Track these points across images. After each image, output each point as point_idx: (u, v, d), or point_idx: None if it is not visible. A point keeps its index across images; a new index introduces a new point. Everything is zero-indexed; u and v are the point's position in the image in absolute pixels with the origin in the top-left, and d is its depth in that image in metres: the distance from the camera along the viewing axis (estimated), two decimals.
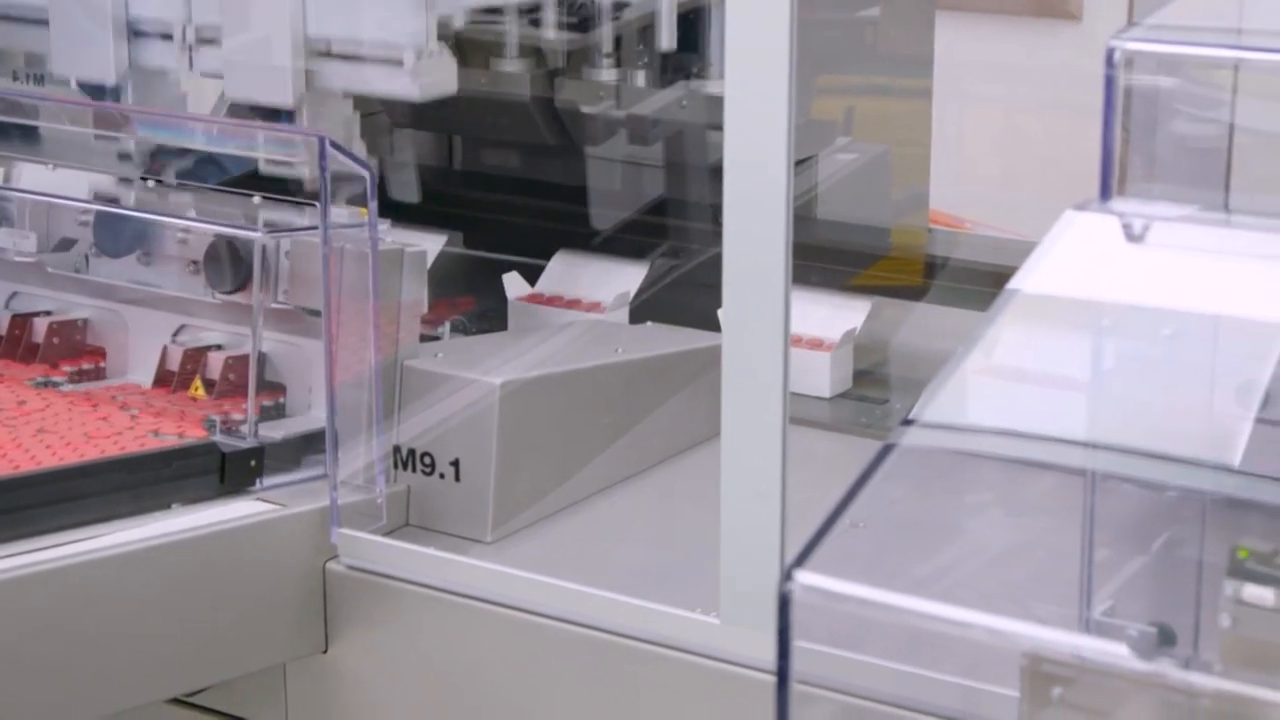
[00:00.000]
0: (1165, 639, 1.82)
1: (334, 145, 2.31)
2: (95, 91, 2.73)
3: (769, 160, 2.01)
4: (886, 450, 1.59)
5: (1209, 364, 1.75)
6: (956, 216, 3.56)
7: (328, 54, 2.52)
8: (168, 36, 2.68)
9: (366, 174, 2.35)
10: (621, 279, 2.87)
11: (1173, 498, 2.07)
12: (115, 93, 2.70)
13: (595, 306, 2.82)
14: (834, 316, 2.78)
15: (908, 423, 1.61)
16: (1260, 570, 1.50)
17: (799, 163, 2.96)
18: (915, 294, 2.98)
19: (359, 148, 2.61)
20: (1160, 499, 2.11)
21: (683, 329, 2.71)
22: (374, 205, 2.35)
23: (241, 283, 2.49)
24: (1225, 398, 1.73)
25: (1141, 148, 2.30)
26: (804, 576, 1.51)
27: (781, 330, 2.04)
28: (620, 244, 2.93)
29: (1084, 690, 1.58)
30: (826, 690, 1.76)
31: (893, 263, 2.97)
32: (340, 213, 2.39)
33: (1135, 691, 1.54)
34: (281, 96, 2.51)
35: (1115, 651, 1.57)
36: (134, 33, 2.67)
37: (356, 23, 2.48)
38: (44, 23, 2.73)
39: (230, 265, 2.49)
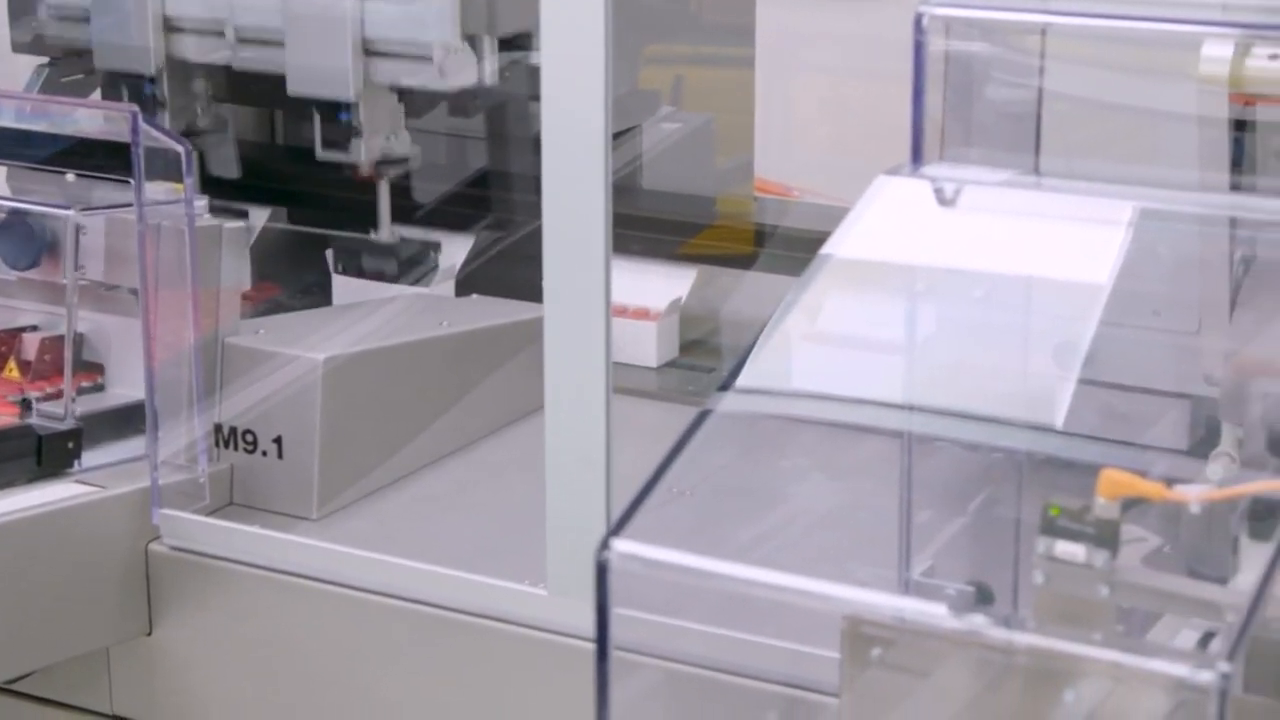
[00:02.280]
0: (983, 597, 1.84)
1: (147, 120, 2.28)
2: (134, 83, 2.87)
3: (587, 130, 2.01)
4: (703, 416, 1.59)
5: (1023, 325, 1.77)
6: (784, 185, 3.57)
7: (372, 52, 2.76)
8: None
9: (181, 149, 2.31)
10: (446, 252, 2.85)
11: (990, 458, 2.10)
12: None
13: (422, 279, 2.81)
14: (660, 286, 2.78)
15: (724, 389, 1.61)
16: (1071, 527, 1.52)
17: (623, 132, 2.97)
18: (744, 262, 2.99)
19: (404, 138, 2.83)
20: (979, 460, 2.13)
21: (508, 301, 2.70)
22: (190, 181, 2.32)
23: (34, 259, 2.45)
24: (1042, 358, 1.75)
25: (958, 113, 2.33)
26: (620, 544, 1.51)
27: (603, 300, 2.04)
28: (445, 217, 2.92)
29: (903, 650, 1.59)
30: (650, 657, 1.76)
31: (719, 231, 2.97)
32: (159, 189, 2.36)
33: (953, 650, 1.55)
34: (343, 91, 2.74)
35: (933, 611, 1.59)
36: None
37: (392, 23, 2.73)
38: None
39: (23, 241, 2.45)
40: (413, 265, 2.86)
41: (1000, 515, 1.99)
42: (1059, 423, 1.66)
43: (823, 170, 3.61)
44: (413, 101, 2.76)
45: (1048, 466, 1.70)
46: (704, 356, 2.83)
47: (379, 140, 2.77)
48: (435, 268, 2.86)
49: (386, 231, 2.86)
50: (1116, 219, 1.71)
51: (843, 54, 3.96)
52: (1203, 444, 2.12)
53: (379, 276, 2.85)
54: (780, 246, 2.97)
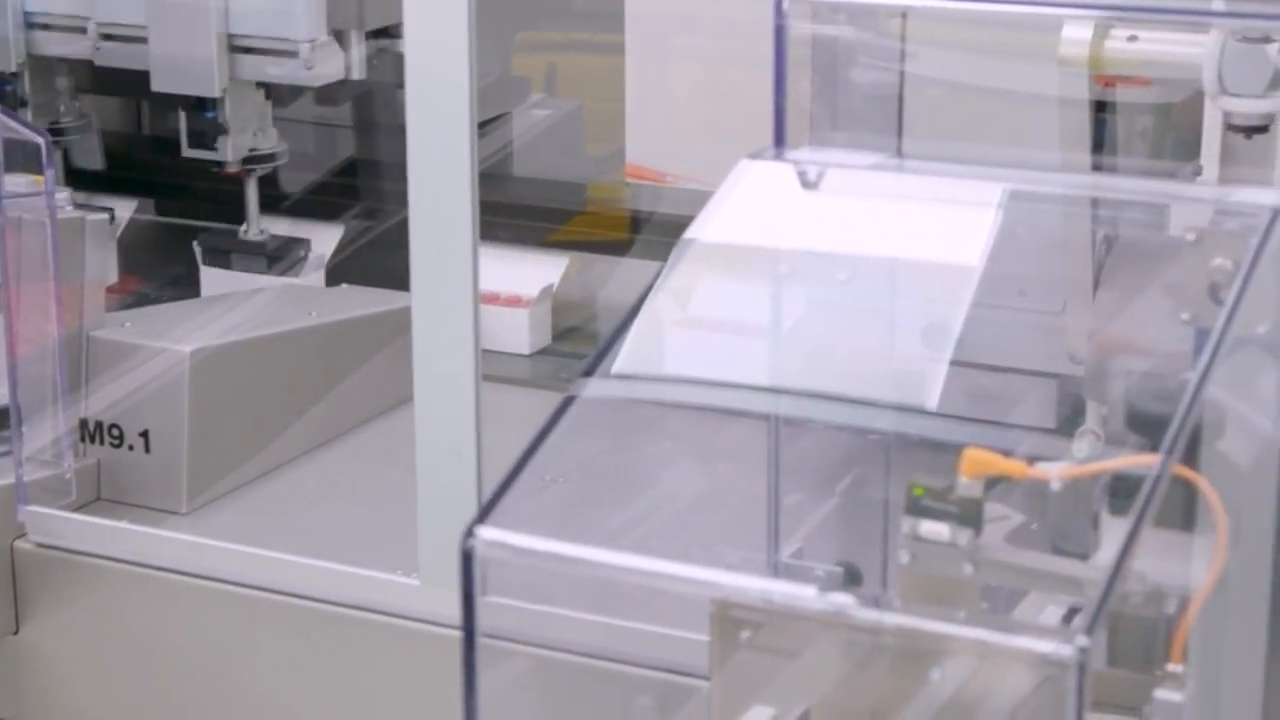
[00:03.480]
0: (851, 578, 1.85)
1: (4, 113, 2.26)
2: None
3: (452, 118, 2.00)
4: (567, 403, 1.59)
5: (893, 308, 1.78)
6: (659, 171, 3.58)
7: (237, 48, 2.75)
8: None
9: (41, 141, 2.28)
10: (316, 242, 2.83)
11: (859, 440, 2.11)
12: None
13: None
14: (531, 273, 2.78)
15: (588, 374, 1.61)
16: (935, 506, 1.53)
17: (492, 120, 2.96)
18: (617, 248, 2.99)
19: (271, 134, 2.81)
20: (848, 442, 2.15)
21: (379, 290, 2.68)
22: (51, 173, 2.29)
23: None
24: (912, 340, 1.76)
25: (824, 98, 2.34)
26: (486, 532, 1.51)
27: (470, 287, 2.04)
28: (314, 206, 2.90)
29: (772, 633, 1.59)
30: (522, 645, 1.76)
31: (591, 218, 2.97)
32: (19, 182, 2.33)
33: (821, 631, 1.56)
34: (208, 87, 2.71)
35: (800, 593, 1.59)
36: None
37: (257, 17, 2.72)
38: None
39: None
40: (280, 260, 2.84)
41: (869, 496, 2.00)
42: (933, 404, 1.67)
43: (696, 156, 3.62)
44: (279, 91, 2.74)
45: (916, 447, 1.71)
46: (578, 343, 2.83)
47: (246, 137, 2.76)
48: (304, 260, 2.84)
49: (255, 228, 2.83)
50: (984, 201, 1.72)
51: (715, 39, 3.96)
52: (1069, 422, 2.15)
53: (247, 270, 2.83)
54: (653, 232, 2.98)
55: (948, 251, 1.71)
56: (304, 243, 2.86)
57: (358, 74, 2.74)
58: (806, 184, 1.74)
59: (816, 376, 1.74)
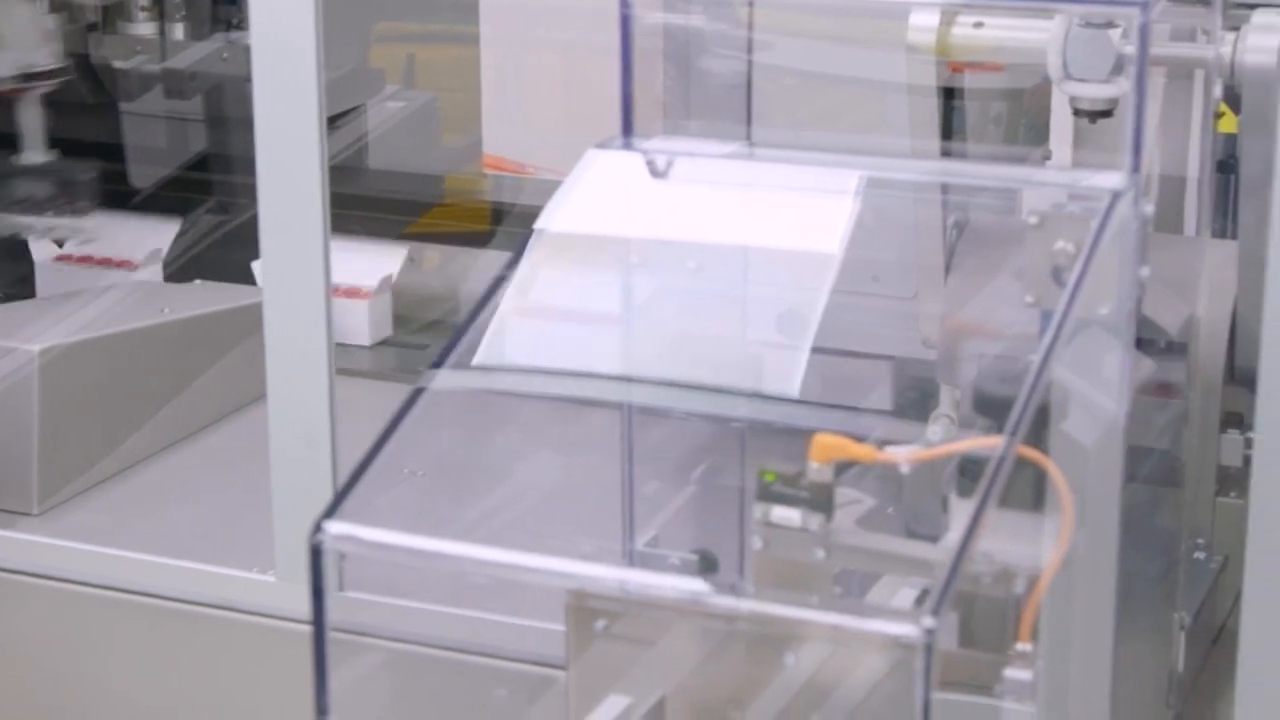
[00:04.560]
0: (707, 566, 1.86)
1: None
2: None
3: (300, 110, 1.99)
4: (416, 394, 1.58)
5: (752, 296, 1.78)
6: (518, 162, 3.57)
7: None
8: None
9: None
10: (156, 235, 2.79)
11: (717, 428, 2.12)
12: None
13: (127, 264, 2.73)
14: (372, 264, 2.76)
15: (437, 365, 1.60)
16: (786, 492, 1.54)
17: (346, 113, 2.94)
18: (479, 240, 2.98)
19: (54, 50, 2.59)
20: (705, 430, 2.15)
21: (232, 286, 2.66)
22: None
23: None
24: (767, 327, 1.77)
25: (677, 86, 2.34)
26: (334, 527, 1.50)
27: (322, 282, 2.02)
28: (161, 200, 2.86)
29: (628, 622, 1.60)
30: (378, 639, 1.75)
31: (449, 210, 2.96)
32: None
33: (677, 619, 1.56)
34: None
35: (655, 582, 1.60)
36: None
37: None
38: None
39: None
40: (68, 188, 2.69)
41: (725, 484, 2.01)
42: (794, 391, 1.67)
43: (555, 146, 3.62)
44: (127, 84, 2.69)
45: (773, 434, 1.72)
46: (437, 335, 2.82)
47: (20, 54, 2.57)
48: (94, 192, 2.68)
49: (39, 153, 2.68)
50: (841, 189, 1.72)
51: (572, 29, 3.96)
52: (924, 407, 2.16)
53: (29, 201, 2.69)
54: (513, 223, 2.97)
55: (805, 239, 1.72)
56: (91, 168, 2.70)
57: None
58: (655, 173, 1.74)
59: (672, 365, 1.74)
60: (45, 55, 2.62)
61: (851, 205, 1.70)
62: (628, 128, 1.77)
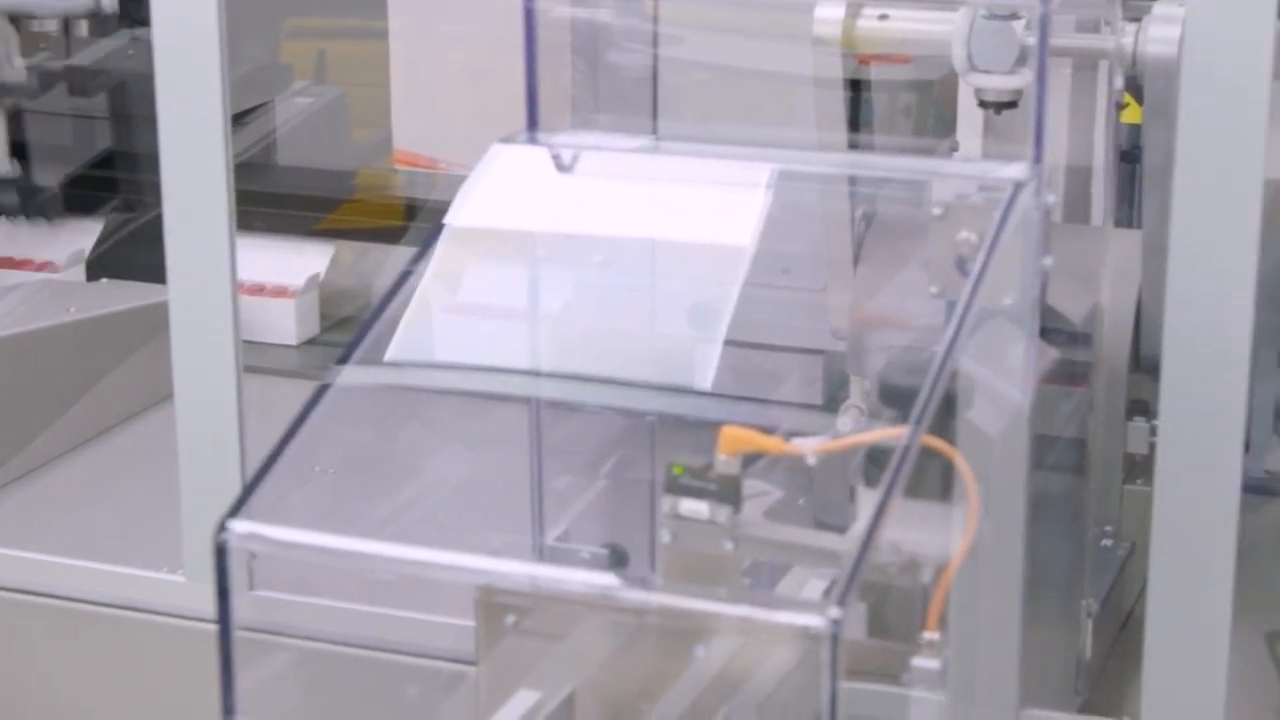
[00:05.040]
0: (617, 560, 1.86)
1: None
2: None
3: (204, 107, 1.97)
4: (321, 391, 1.57)
5: (657, 289, 1.78)
6: (430, 157, 3.56)
7: None
8: None
9: None
10: (75, 236, 2.77)
11: (630, 422, 2.12)
12: None
13: (47, 266, 2.71)
14: (297, 263, 2.75)
15: (342, 361, 1.59)
16: (694, 484, 1.54)
17: (253, 109, 2.92)
18: (390, 236, 2.97)
19: (18, 65, 2.63)
20: (619, 424, 2.15)
21: (140, 284, 2.63)
22: None
23: None
24: (679, 321, 1.77)
25: (585, 80, 2.34)
26: (239, 525, 1.49)
27: (228, 278, 2.01)
28: (71, 200, 2.83)
29: (538, 617, 1.60)
30: (287, 638, 1.74)
31: (359, 206, 2.95)
32: None
33: (586, 613, 1.57)
34: None
35: (564, 577, 1.60)
36: None
37: None
38: None
39: None
40: (33, 196, 2.72)
41: (635, 477, 2.01)
42: (707, 384, 1.67)
43: (467, 141, 3.61)
44: (30, 81, 2.66)
45: (684, 427, 1.72)
46: (349, 333, 2.81)
47: None
48: (57, 200, 2.71)
49: (4, 164, 2.70)
50: (752, 182, 1.73)
51: (482, 23, 3.95)
52: (836, 397, 2.17)
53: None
54: (425, 219, 2.96)
55: (716, 232, 1.72)
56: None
57: (109, 6, 2.60)
58: (561, 167, 1.74)
59: (583, 359, 1.74)
60: (13, 72, 2.65)
61: (763, 198, 1.71)
62: (533, 122, 1.77)
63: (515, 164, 1.74)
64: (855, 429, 1.92)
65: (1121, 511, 2.10)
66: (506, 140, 1.74)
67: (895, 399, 1.64)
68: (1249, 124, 1.74)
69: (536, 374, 1.76)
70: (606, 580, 1.50)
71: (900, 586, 1.56)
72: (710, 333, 1.70)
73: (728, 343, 1.71)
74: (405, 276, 1.65)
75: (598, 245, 1.76)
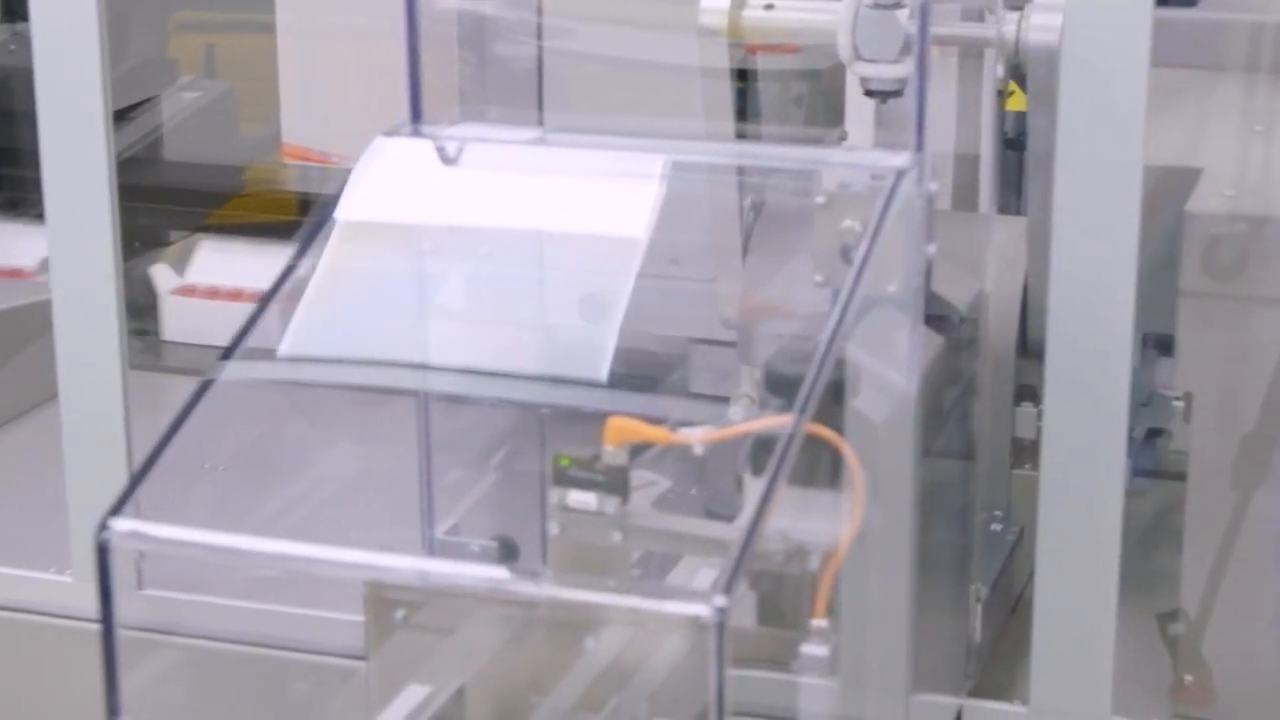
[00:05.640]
0: (507, 552, 1.86)
1: None
2: None
3: (83, 103, 1.95)
4: (204, 387, 1.56)
5: (550, 281, 1.78)
6: (321, 151, 3.53)
7: None
8: None
9: None
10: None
11: (523, 415, 2.11)
12: None
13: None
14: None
15: (225, 358, 1.58)
16: (582, 476, 1.54)
17: (138, 105, 2.89)
18: (284, 231, 2.94)
19: None
20: (511, 417, 2.15)
21: (22, 282, 2.60)
22: None
23: None
24: (568, 312, 1.76)
25: (473, 71, 2.33)
26: (120, 524, 1.47)
27: (113, 275, 1.99)
28: None
29: (428, 611, 1.59)
30: (174, 636, 1.73)
31: (249, 201, 2.92)
32: None
33: (475, 606, 1.56)
34: None
35: (453, 571, 1.59)
36: None
37: None
38: None
39: None
40: None
41: (525, 470, 2.01)
42: (602, 376, 1.67)
43: (357, 134, 3.59)
44: None
45: (576, 419, 1.72)
46: None
47: None
48: None
49: None
50: (644, 173, 1.72)
51: (371, 15, 3.93)
52: (728, 388, 2.18)
53: None
54: (317, 213, 2.93)
55: (609, 224, 1.72)
56: None
57: None
58: (446, 159, 1.73)
59: (474, 352, 1.73)
60: None
61: (656, 189, 1.71)
62: (416, 114, 1.76)
63: (400, 157, 1.73)
64: (746, 418, 1.93)
65: (1011, 496, 2.12)
66: (390, 133, 1.73)
67: (781, 388, 1.64)
68: (1128, 111, 1.76)
69: (425, 368, 1.75)
70: (495, 573, 1.50)
71: (790, 574, 1.57)
72: (603, 324, 1.70)
73: (629, 334, 1.70)
74: (288, 271, 1.64)
75: (489, 238, 1.75)
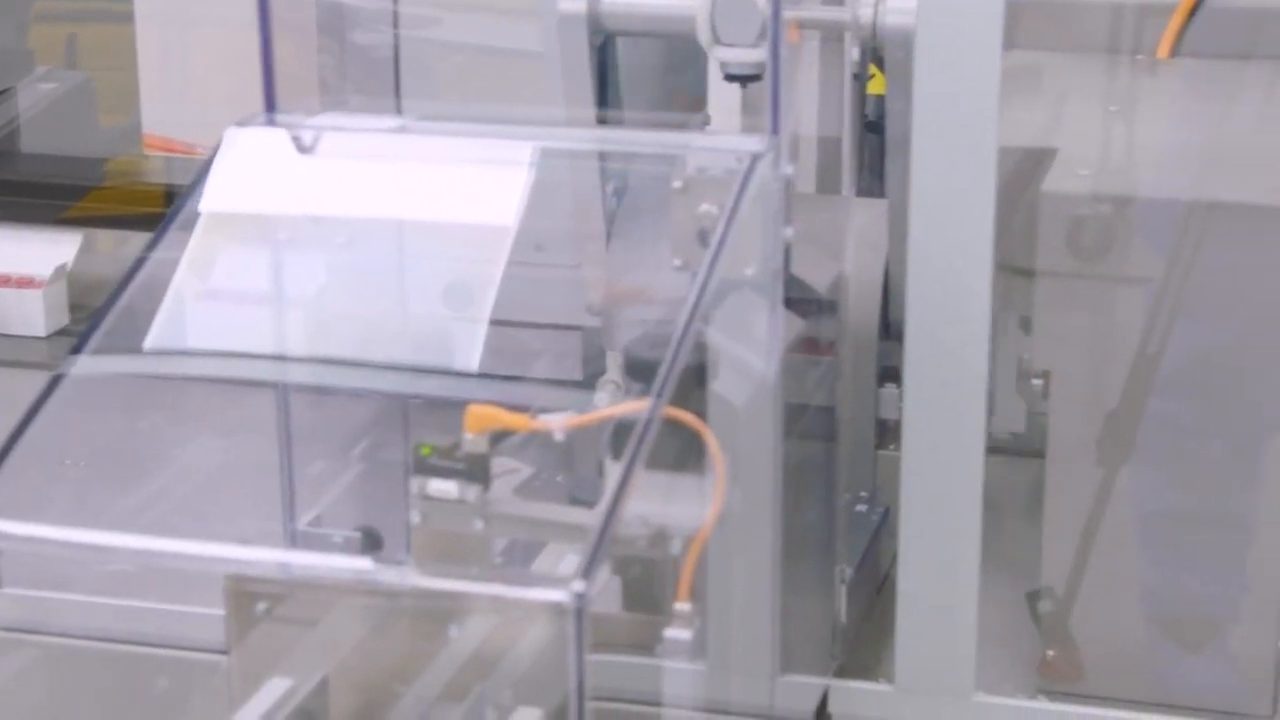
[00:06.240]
0: (371, 543, 1.84)
1: None
2: None
3: None
4: (55, 382, 1.54)
5: (416, 270, 1.77)
6: (185, 142, 3.49)
7: None
8: None
9: None
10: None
11: (387, 404, 2.10)
12: None
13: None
14: (44, 253, 2.68)
15: (76, 352, 1.56)
16: (442, 464, 1.53)
17: None
18: (146, 223, 2.90)
19: None
20: (377, 407, 2.13)
21: None
22: None
23: None
24: (434, 301, 1.75)
25: (331, 60, 2.32)
26: None
27: None
28: None
29: (291, 604, 1.58)
30: (33, 635, 1.71)
31: (110, 193, 2.88)
32: None
33: (339, 598, 1.55)
34: None
35: (313, 562, 1.58)
36: None
37: None
38: None
39: None
40: None
41: (390, 459, 2.00)
42: (473, 365, 1.67)
43: (220, 124, 3.55)
44: None
45: (441, 408, 1.71)
46: None
47: None
48: None
49: None
50: (512, 160, 1.72)
51: (231, 4, 3.89)
52: (594, 374, 2.18)
53: None
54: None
55: (476, 212, 1.71)
56: None
57: None
58: (302, 148, 1.72)
59: (341, 342, 1.72)
60: None
61: (525, 176, 1.70)
62: (270, 104, 1.74)
63: (258, 148, 1.71)
64: (612, 404, 1.93)
65: (876, 477, 2.13)
66: (242, 124, 1.71)
67: (641, 372, 1.65)
68: (982, 93, 1.77)
69: (286, 359, 1.74)
70: (356, 564, 1.49)
71: (653, 559, 1.57)
72: (472, 312, 1.70)
73: (496, 323, 1.70)
74: (140, 263, 1.62)
75: (354, 227, 1.73)
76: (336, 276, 1.77)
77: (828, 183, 2.21)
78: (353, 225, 1.74)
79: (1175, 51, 2.28)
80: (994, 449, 1.94)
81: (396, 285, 1.77)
